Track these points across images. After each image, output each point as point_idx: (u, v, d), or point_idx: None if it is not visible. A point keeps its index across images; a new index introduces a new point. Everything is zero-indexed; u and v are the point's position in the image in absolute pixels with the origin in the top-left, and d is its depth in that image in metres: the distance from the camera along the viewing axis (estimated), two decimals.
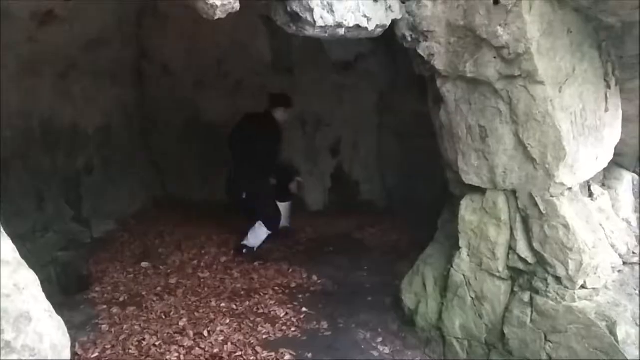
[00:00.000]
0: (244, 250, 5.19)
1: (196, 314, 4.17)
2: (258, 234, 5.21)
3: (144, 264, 5.03)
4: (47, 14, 4.48)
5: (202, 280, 4.72)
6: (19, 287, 1.64)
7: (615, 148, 3.79)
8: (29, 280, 1.69)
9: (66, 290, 4.70)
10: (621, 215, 4.03)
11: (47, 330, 1.67)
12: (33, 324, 1.63)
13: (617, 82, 3.62)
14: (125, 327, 4.00)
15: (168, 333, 3.90)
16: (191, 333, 3.89)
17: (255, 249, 5.23)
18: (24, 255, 1.73)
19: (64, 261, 5.02)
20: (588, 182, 3.76)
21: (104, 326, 4.01)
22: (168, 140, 6.56)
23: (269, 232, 5.21)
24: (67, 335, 1.78)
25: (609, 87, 3.54)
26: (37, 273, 1.76)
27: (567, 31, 3.19)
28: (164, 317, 4.14)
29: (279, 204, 5.37)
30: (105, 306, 4.30)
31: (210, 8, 2.45)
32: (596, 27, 3.35)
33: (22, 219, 4.61)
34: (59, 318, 1.77)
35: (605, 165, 3.75)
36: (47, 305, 1.73)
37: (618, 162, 4.09)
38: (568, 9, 3.17)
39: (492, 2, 3.10)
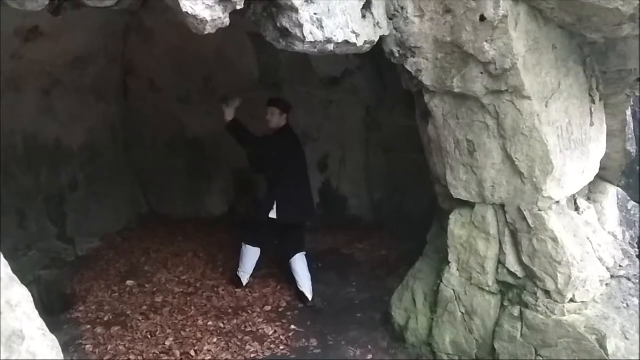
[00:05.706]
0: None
1: (183, 333, 4.09)
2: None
3: (129, 283, 4.93)
4: (32, 30, 4.43)
5: (188, 298, 4.64)
6: (11, 304, 1.58)
7: (600, 162, 3.84)
8: (22, 297, 1.63)
9: (49, 310, 4.57)
10: (607, 229, 4.07)
11: (41, 350, 1.61)
12: (26, 343, 1.57)
13: (602, 97, 3.68)
14: (109, 347, 3.92)
15: (154, 353, 3.83)
16: (178, 353, 3.82)
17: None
18: None
19: (47, 280, 4.90)
20: (574, 196, 3.80)
21: (87, 346, 3.93)
22: (153, 156, 6.49)
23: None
24: (62, 355, 1.71)
25: (593, 101, 3.60)
26: None
27: (552, 47, 3.25)
28: (149, 336, 4.06)
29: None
30: (89, 326, 4.21)
31: (200, 23, 2.44)
32: (580, 43, 3.41)
33: (3, 237, 4.49)
34: (53, 337, 1.71)
35: (592, 179, 3.80)
36: (40, 322, 1.67)
37: (603, 176, 4.14)
38: (553, 26, 3.23)
39: (478, 18, 3.14)
